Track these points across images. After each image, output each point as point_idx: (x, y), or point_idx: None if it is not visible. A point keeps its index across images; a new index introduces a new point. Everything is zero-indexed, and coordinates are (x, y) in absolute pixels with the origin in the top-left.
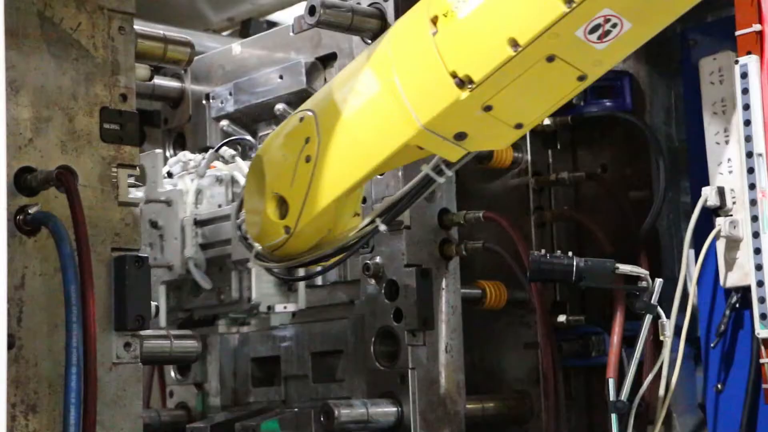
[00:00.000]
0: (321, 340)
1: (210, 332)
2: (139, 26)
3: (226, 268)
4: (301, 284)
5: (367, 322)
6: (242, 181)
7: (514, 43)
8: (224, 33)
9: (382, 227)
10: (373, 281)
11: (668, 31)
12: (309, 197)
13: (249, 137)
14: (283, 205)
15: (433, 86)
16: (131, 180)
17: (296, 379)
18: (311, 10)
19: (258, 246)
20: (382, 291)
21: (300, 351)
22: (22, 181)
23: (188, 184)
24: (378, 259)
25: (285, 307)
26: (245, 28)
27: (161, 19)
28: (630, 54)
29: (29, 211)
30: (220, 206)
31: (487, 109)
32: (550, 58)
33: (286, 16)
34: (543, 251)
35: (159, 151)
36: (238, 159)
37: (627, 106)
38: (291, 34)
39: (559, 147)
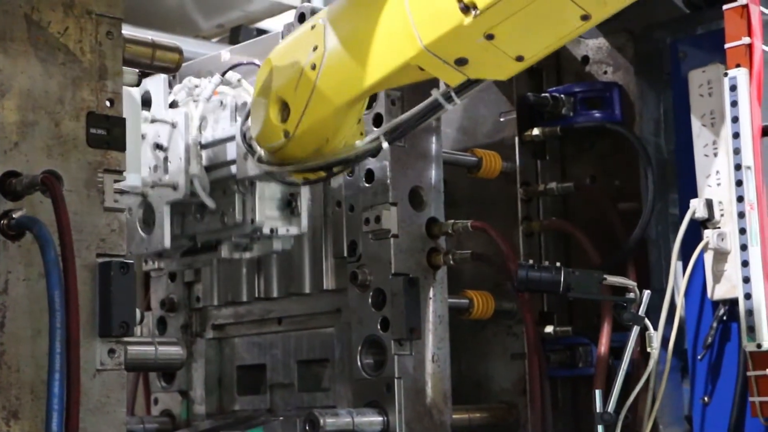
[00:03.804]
0: (307, 349)
1: (213, 257)
2: (128, 31)
3: (229, 191)
4: (304, 207)
5: (353, 331)
6: (249, 102)
7: None
8: (213, 39)
9: (385, 144)
10: (360, 290)
11: (658, 43)
12: (310, 104)
13: (257, 62)
14: (285, 109)
15: (438, 8)
16: (117, 186)
17: (282, 387)
18: (301, 18)
19: (260, 151)
20: (369, 300)
21: (286, 359)
22: (7, 185)
23: (193, 109)
24: (365, 268)
25: (287, 230)
26: (235, 35)
27: (150, 24)
28: (619, 65)
29: (14, 216)
30: (220, 130)
31: (489, 37)
32: None
33: (276, 24)
34: (531, 261)
35: (164, 75)
36: (243, 82)
37: (616, 118)
38: (280, 41)
39: (548, 157)
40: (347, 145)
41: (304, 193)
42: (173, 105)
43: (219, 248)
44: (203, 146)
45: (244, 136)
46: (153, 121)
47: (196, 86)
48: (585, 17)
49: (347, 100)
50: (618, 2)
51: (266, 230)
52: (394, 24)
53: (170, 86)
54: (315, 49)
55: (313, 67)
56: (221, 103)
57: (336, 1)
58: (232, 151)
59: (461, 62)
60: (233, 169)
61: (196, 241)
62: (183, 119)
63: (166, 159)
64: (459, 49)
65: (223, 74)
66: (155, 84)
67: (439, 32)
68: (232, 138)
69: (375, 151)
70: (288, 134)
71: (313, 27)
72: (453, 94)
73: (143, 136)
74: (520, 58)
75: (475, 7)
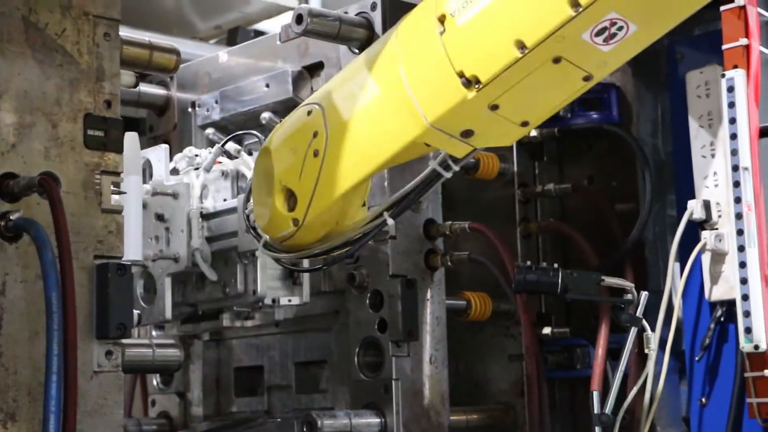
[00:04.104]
0: (305, 350)
1: (214, 326)
2: (125, 33)
3: (231, 261)
4: (306, 277)
5: (351, 333)
6: (248, 175)
7: (520, 45)
8: (211, 41)
9: (390, 221)
10: (357, 291)
11: (656, 45)
12: (317, 191)
13: (255, 132)
14: (291, 197)
15: (440, 85)
16: (114, 188)
17: (280, 389)
18: (298, 19)
19: (266, 236)
20: (367, 301)
21: (284, 361)
22: (5, 187)
23: (194, 178)
24: (363, 270)
25: (289, 300)
26: (232, 36)
27: (148, 26)
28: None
29: (11, 218)
30: (225, 200)
31: (494, 108)
32: (557, 60)
33: (273, 25)
34: (528, 263)
35: (165, 145)
36: (243, 154)
37: (614, 119)
38: (278, 42)
39: (545, 159)
40: (350, 224)
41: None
42: (173, 172)
43: (220, 317)
44: (204, 216)
45: (247, 218)
46: (154, 194)
47: (196, 155)
48: (587, 78)
49: (354, 183)
50: (618, 61)
51: (268, 301)
52: (395, 103)
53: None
54: (315, 135)
55: (316, 154)
56: (222, 173)
57: (328, 85)
58: (233, 223)
59: (467, 134)
60: (235, 240)
61: (197, 309)
62: (184, 190)
63: (167, 230)
64: (465, 122)
65: (223, 145)
66: (156, 155)
67: (444, 108)
68: (233, 210)
69: (380, 228)
70: (297, 222)
71: (309, 113)
72: (450, 162)
73: (145, 205)
74: (525, 124)
75: (477, 81)
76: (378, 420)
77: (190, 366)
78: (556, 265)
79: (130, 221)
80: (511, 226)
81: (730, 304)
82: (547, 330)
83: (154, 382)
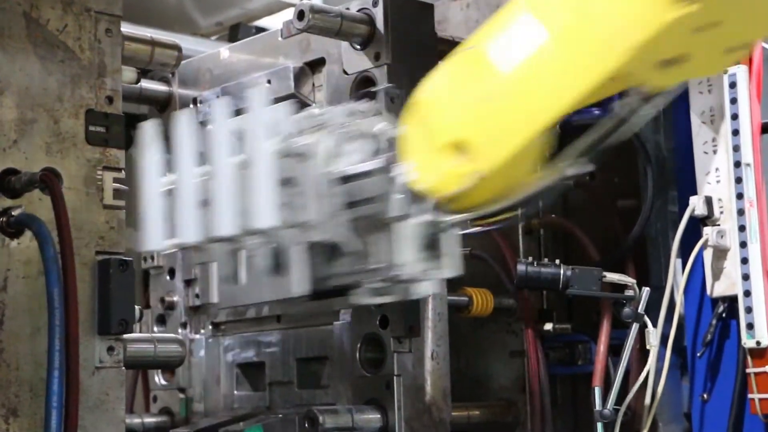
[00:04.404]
0: (306, 346)
1: (347, 304)
2: (127, 29)
3: (369, 230)
4: (453, 247)
5: (352, 329)
6: (386, 134)
7: None
8: (212, 37)
9: (588, 167)
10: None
11: None
12: (497, 139)
13: (390, 85)
14: (461, 150)
15: (643, 5)
16: (116, 185)
17: (281, 385)
18: (300, 15)
19: (431, 198)
20: None
21: (285, 357)
22: (6, 183)
23: (324, 139)
24: None
25: (433, 273)
26: (234, 32)
27: (150, 22)
28: None
29: (13, 213)
30: (360, 162)
31: (705, 29)
32: None
33: (275, 22)
34: (530, 259)
35: (291, 100)
36: (377, 111)
37: None
38: (279, 38)
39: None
40: (534, 179)
41: (453, 232)
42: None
43: (353, 292)
44: (339, 180)
45: (395, 181)
46: (283, 156)
47: (322, 114)
48: None
49: (537, 129)
50: None
51: (409, 275)
52: (588, 33)
53: None
54: (484, 79)
55: (489, 100)
56: (353, 132)
57: (493, 25)
58: (373, 187)
59: (673, 62)
60: (375, 206)
61: (326, 285)
62: (314, 151)
63: (296, 195)
64: (671, 47)
65: (353, 102)
66: (282, 112)
67: (646, 33)
68: (372, 173)
69: (563, 180)
70: (475, 177)
71: (472, 56)
72: (649, 96)
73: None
74: (739, 48)
75: None
76: (379, 416)
77: (192, 361)
78: (557, 261)
79: (261, 185)
80: (512, 222)
81: (731, 300)
82: (548, 326)
83: (156, 378)
